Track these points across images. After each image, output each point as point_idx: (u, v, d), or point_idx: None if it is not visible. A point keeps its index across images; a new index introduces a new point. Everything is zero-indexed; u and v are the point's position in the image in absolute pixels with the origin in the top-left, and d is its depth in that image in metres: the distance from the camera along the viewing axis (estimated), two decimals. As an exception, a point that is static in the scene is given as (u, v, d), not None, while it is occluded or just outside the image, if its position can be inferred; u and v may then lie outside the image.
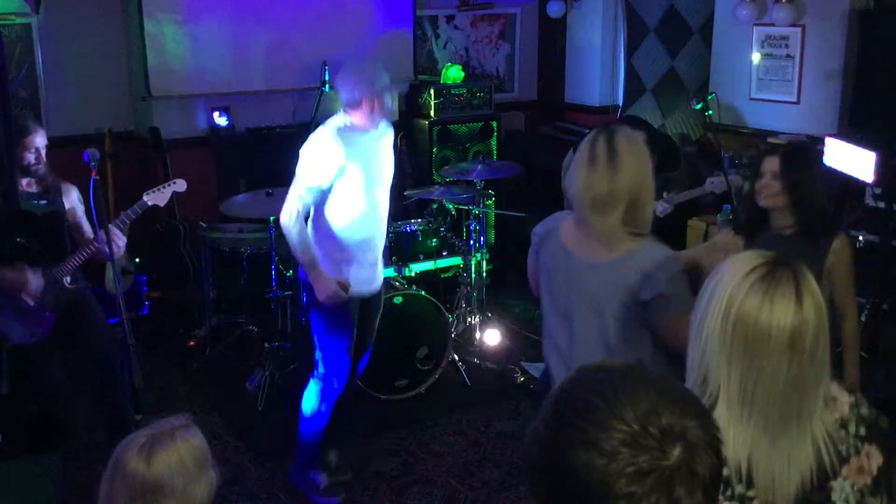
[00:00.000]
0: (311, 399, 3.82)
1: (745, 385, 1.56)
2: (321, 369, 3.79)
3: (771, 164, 3.12)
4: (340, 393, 3.83)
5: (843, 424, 1.65)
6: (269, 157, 6.03)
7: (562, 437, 1.07)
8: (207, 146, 6.15)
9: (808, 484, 1.59)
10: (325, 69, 4.55)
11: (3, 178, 3.62)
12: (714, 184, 4.63)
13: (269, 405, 4.69)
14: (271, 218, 4.71)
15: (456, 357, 4.99)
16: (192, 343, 5.34)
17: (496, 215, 6.14)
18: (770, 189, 3.12)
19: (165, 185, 3.89)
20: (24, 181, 3.76)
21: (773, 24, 5.75)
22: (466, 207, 5.35)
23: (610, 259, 2.54)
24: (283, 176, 5.08)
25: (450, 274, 5.70)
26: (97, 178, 3.12)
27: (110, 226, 3.47)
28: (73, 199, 3.90)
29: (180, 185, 3.92)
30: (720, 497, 1.53)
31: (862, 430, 1.66)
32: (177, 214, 5.80)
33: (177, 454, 1.79)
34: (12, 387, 3.58)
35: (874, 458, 1.65)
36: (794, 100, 5.72)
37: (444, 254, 5.13)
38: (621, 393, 1.07)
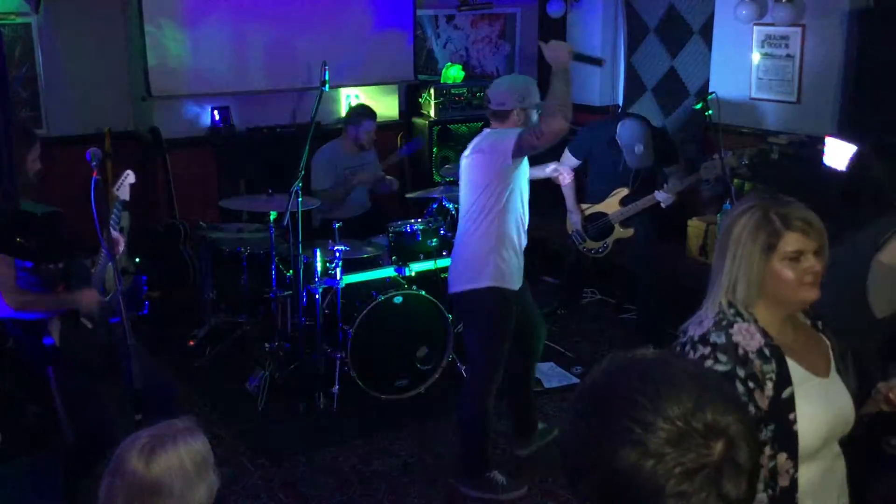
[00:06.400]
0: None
1: None
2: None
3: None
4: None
5: None
6: (270, 158, 6.04)
7: (606, 437, 1.07)
8: (207, 146, 6.16)
9: None
10: (324, 69, 4.54)
11: (3, 178, 3.59)
12: (707, 168, 4.64)
13: (268, 405, 4.69)
14: (272, 215, 4.72)
15: (456, 357, 4.99)
16: (192, 343, 5.33)
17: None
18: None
19: (122, 178, 3.73)
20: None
21: (773, 24, 5.75)
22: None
23: None
24: (283, 176, 5.10)
25: (450, 274, 5.69)
26: (98, 177, 3.12)
27: (113, 231, 3.45)
28: None
29: (131, 176, 3.76)
30: None
31: None
32: (177, 214, 5.81)
33: (177, 457, 1.79)
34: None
35: None
36: (794, 100, 5.72)
37: (445, 254, 5.11)
38: (663, 388, 1.07)
